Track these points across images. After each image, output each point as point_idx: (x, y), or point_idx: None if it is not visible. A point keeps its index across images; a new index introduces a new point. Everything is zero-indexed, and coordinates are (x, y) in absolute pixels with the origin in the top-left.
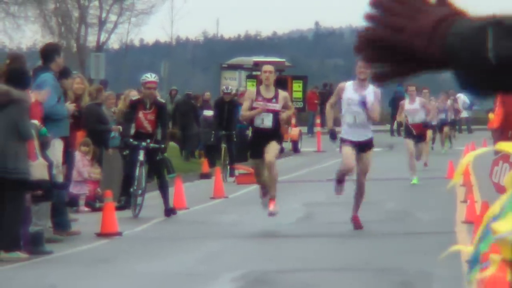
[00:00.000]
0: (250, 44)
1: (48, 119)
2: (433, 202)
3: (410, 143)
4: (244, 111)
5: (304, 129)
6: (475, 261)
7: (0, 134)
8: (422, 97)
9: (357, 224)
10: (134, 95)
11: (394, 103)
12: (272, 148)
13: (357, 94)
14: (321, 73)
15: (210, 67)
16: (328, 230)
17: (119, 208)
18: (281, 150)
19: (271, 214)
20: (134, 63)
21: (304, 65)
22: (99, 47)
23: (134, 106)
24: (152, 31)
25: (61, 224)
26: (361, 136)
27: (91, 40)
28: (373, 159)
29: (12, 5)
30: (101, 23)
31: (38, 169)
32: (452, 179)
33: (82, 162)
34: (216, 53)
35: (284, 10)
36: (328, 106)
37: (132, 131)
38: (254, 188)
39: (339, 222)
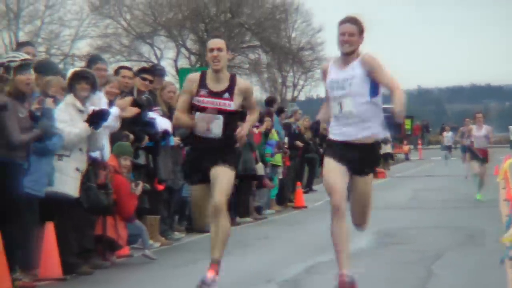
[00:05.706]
0: None
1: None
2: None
3: (476, 165)
4: (177, 111)
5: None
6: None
7: None
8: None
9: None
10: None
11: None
12: (222, 180)
13: (342, 73)
14: None
15: None
16: (427, 205)
17: (305, 192)
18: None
19: (205, 283)
20: (311, 112)
21: None
22: (293, 99)
23: None
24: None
25: (279, 201)
26: (354, 132)
27: (288, 95)
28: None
29: (243, 75)
30: (294, 85)
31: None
32: (498, 175)
33: None
34: None
35: None
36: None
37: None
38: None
39: (436, 200)
